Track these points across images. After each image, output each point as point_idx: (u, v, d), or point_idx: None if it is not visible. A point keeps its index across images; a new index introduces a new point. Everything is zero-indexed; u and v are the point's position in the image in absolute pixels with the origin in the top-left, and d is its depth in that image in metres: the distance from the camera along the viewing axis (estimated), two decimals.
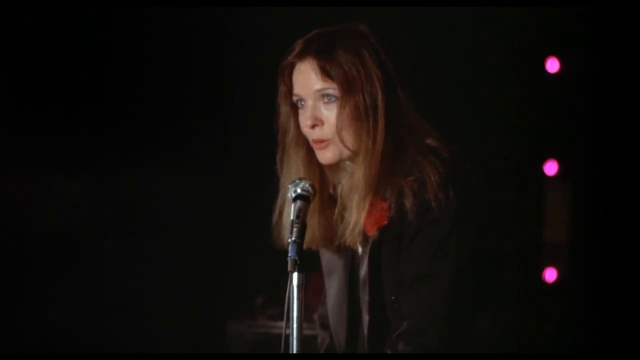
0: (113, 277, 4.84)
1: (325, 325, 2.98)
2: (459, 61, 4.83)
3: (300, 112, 2.77)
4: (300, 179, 2.66)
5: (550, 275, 5.11)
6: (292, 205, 2.61)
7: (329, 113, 2.72)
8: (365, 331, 2.78)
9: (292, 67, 2.77)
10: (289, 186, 2.66)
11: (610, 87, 4.94)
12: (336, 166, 2.82)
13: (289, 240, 2.52)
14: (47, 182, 4.67)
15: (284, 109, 2.82)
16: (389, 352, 2.71)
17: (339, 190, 2.81)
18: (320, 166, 2.82)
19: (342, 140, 2.71)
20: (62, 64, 4.75)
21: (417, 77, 2.86)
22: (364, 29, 2.77)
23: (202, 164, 5.02)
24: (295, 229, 2.54)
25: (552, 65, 5.06)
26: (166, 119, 4.99)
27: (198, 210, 4.98)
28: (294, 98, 2.77)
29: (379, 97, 2.71)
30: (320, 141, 2.74)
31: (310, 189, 2.64)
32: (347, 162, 2.80)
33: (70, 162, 4.72)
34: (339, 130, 2.71)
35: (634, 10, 4.79)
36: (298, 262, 2.49)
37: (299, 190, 2.63)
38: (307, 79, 2.73)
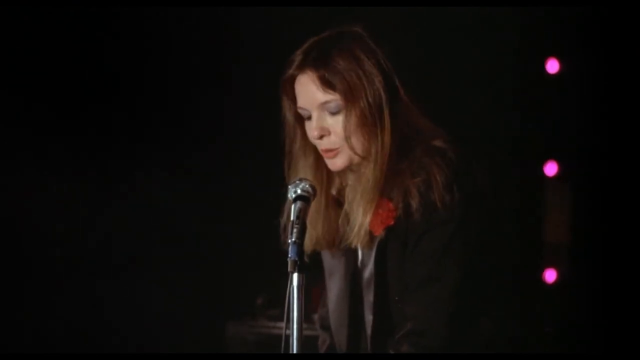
0: (114, 278, 4.84)
1: (325, 327, 2.98)
2: (458, 62, 4.83)
3: (307, 123, 2.78)
4: (301, 180, 2.67)
5: (550, 276, 5.11)
6: (292, 206, 2.61)
7: (335, 122, 2.73)
8: (369, 331, 2.79)
9: (293, 79, 2.77)
10: (289, 187, 2.66)
11: (610, 88, 4.94)
12: (345, 169, 2.83)
13: (289, 240, 2.52)
14: (45, 184, 4.67)
15: (289, 119, 2.82)
16: (391, 352, 2.72)
17: (346, 192, 2.82)
18: (327, 169, 2.83)
19: (351, 147, 2.72)
20: (61, 65, 4.74)
21: (416, 78, 2.85)
22: (360, 30, 2.77)
23: (202, 165, 5.02)
24: (295, 230, 2.53)
25: (552, 66, 5.06)
26: (166, 120, 4.98)
27: (198, 211, 4.98)
28: (299, 110, 2.78)
29: (383, 99, 2.71)
30: (330, 150, 2.75)
31: (310, 189, 2.64)
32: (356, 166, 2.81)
33: (70, 164, 4.72)
34: (347, 138, 2.71)
35: (634, 11, 4.79)
36: (298, 262, 2.49)
37: (298, 191, 2.63)
38: (309, 92, 2.73)
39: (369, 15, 2.87)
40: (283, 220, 2.83)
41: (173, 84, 4.97)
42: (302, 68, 2.74)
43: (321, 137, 2.74)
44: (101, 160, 4.84)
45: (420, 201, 2.67)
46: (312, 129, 2.75)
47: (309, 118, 2.76)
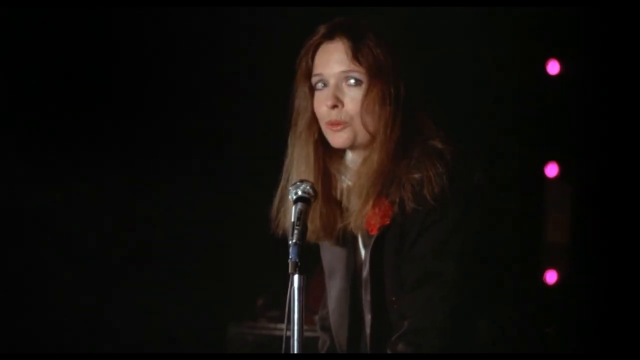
0: (114, 278, 4.84)
1: (326, 328, 2.98)
2: (459, 63, 4.82)
3: (319, 93, 2.78)
4: (301, 181, 2.67)
5: (551, 277, 5.11)
6: (293, 208, 2.61)
7: (351, 95, 2.75)
8: (368, 330, 2.79)
9: (317, 47, 2.79)
10: (290, 188, 2.67)
11: (611, 89, 4.94)
12: (340, 161, 2.83)
13: (290, 242, 2.52)
14: (46, 186, 4.67)
15: (302, 90, 2.83)
16: (388, 352, 2.72)
17: (346, 183, 2.82)
18: (325, 158, 2.83)
19: (364, 124, 2.73)
20: (61, 66, 4.74)
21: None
22: (389, 22, 2.83)
23: (202, 167, 5.02)
24: (296, 231, 2.54)
25: (553, 67, 5.06)
26: (167, 123, 4.98)
27: (199, 213, 4.98)
28: (314, 79, 2.79)
29: (402, 87, 2.74)
30: (337, 123, 2.75)
31: (311, 190, 2.64)
32: (351, 159, 2.81)
33: (71, 165, 4.72)
34: (362, 114, 2.73)
35: (634, 12, 4.79)
36: (299, 264, 2.49)
37: (299, 192, 2.63)
38: (334, 59, 2.75)
39: (368, 15, 2.87)
40: (275, 201, 2.83)
41: (173, 85, 4.96)
42: (331, 36, 2.77)
43: (333, 107, 2.75)
44: (100, 161, 4.84)
45: (416, 201, 2.68)
46: (326, 97, 2.76)
47: (324, 87, 2.77)
